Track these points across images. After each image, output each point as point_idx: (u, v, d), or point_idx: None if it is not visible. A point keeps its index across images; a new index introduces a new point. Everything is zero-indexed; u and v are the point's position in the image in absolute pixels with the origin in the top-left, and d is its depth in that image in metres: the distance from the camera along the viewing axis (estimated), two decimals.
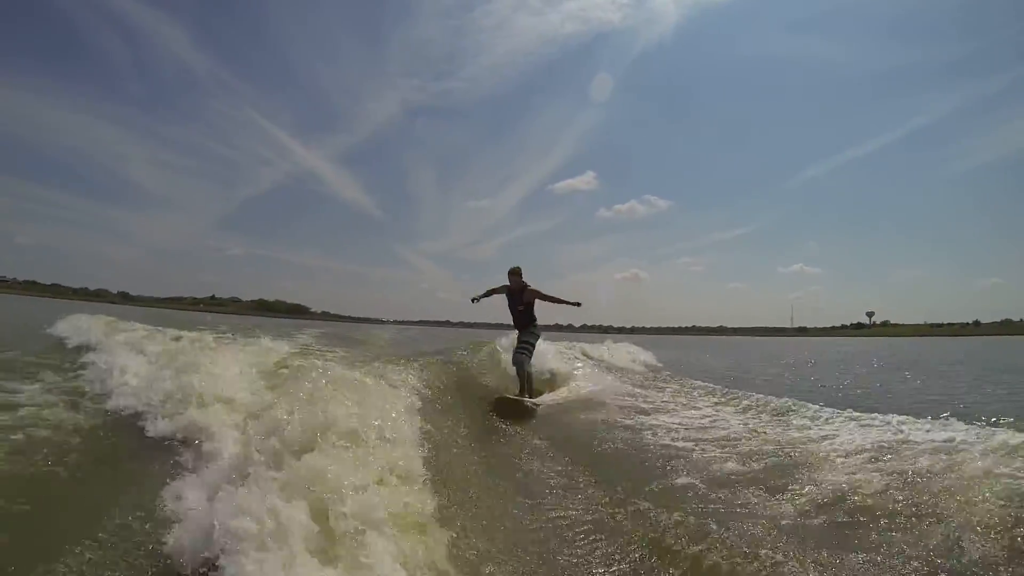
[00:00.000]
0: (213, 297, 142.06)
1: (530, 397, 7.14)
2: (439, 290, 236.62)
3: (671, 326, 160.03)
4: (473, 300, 7.35)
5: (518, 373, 7.24)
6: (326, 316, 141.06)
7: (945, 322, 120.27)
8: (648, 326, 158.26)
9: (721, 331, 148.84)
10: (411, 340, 21.37)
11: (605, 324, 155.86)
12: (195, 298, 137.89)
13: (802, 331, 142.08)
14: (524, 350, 7.14)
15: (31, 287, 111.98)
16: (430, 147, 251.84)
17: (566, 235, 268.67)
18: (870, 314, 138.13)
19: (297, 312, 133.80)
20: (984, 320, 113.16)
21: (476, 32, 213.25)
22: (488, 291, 7.34)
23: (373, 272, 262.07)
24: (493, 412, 6.54)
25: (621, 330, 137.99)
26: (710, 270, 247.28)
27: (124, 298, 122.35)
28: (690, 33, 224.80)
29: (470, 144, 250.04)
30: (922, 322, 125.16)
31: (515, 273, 7.14)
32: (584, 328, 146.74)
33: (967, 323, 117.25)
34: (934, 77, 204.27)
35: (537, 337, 7.31)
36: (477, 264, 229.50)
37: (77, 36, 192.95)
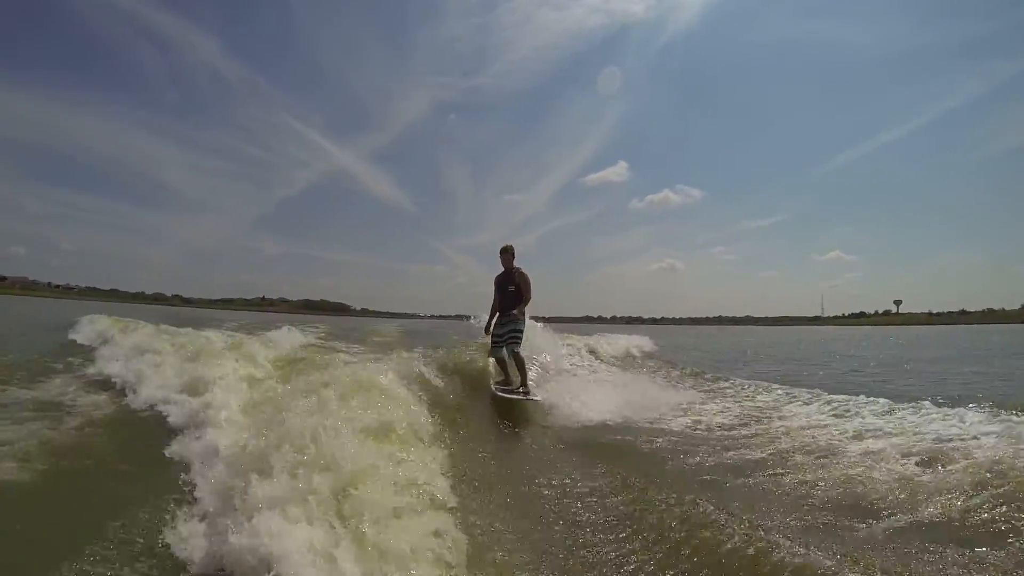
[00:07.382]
0: (263, 298, 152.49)
1: (524, 387, 6.30)
2: (476, 284, 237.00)
3: (698, 316, 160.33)
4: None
5: (504, 361, 6.45)
6: (365, 312, 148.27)
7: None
8: (677, 316, 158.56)
9: (747, 321, 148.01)
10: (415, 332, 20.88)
11: (635, 315, 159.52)
12: (245, 299, 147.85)
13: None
14: (515, 338, 6.33)
15: (91, 293, 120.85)
16: (462, 143, 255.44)
17: (601, 226, 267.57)
18: (897, 303, 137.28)
19: (340, 310, 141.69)
20: None
21: (501, 29, 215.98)
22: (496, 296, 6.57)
23: (409, 268, 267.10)
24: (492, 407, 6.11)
25: (647, 321, 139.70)
26: (744, 259, 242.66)
27: (182, 301, 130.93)
28: (715, 21, 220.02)
29: (502, 139, 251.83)
30: (947, 311, 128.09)
31: (507, 252, 6.43)
32: (614, 319, 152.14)
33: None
34: (960, 58, 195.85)
35: (524, 323, 6.41)
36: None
37: (112, 50, 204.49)
